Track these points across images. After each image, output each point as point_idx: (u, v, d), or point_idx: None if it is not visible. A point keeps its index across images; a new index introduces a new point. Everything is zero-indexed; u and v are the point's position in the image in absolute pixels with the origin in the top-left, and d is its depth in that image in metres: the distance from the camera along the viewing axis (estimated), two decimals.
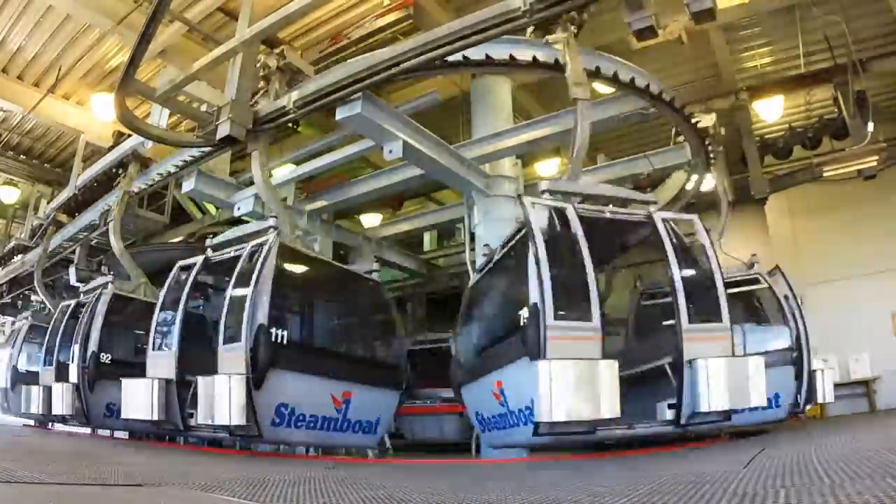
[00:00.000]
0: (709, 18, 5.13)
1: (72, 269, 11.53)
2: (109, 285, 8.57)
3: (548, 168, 12.40)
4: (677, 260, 5.27)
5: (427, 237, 14.38)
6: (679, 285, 5.14)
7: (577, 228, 5.08)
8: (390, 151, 6.94)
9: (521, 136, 8.13)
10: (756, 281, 7.93)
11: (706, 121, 8.21)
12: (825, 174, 10.79)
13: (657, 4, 5.08)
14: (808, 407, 7.46)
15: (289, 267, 6.38)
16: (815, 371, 7.37)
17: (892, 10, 8.67)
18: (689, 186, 9.43)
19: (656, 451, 5.75)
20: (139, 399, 6.18)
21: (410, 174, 8.56)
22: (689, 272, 5.39)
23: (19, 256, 13.43)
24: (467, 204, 9.06)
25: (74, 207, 11.59)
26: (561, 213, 5.21)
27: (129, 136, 9.53)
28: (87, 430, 8.98)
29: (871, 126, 9.75)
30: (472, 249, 8.81)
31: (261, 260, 5.84)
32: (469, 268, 8.63)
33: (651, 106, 7.31)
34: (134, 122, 7.07)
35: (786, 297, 7.67)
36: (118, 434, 8.81)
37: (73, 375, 7.88)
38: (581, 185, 5.77)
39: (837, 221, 12.44)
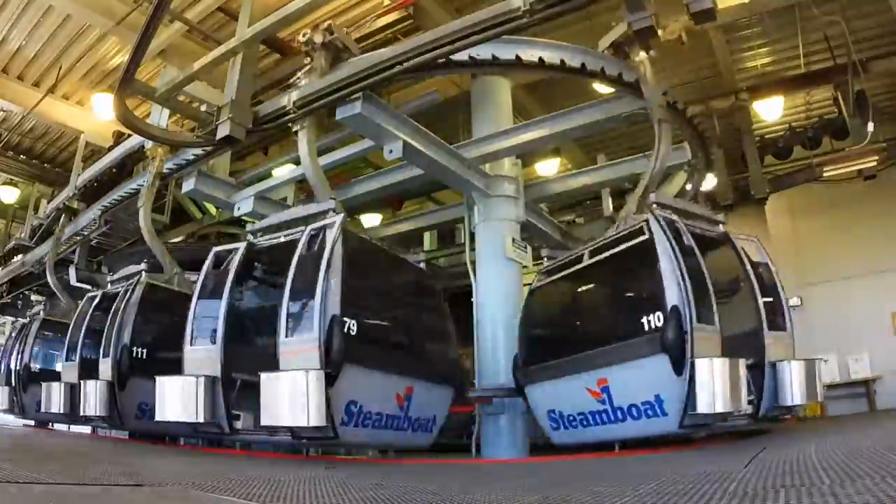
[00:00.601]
0: (709, 18, 5.13)
1: (72, 270, 11.55)
2: (41, 312, 11.41)
3: (548, 168, 12.40)
4: (297, 266, 5.47)
5: (427, 237, 14.35)
6: (286, 295, 5.36)
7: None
8: (390, 151, 6.93)
9: (521, 136, 8.12)
10: (640, 232, 5.68)
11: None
12: (825, 174, 10.80)
13: (657, 4, 5.08)
14: (690, 423, 5.04)
15: (153, 299, 7.97)
16: (776, 363, 5.50)
17: (892, 10, 8.64)
18: (690, 186, 9.44)
19: (656, 451, 5.75)
20: (54, 397, 8.22)
21: (410, 174, 8.55)
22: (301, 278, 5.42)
23: (19, 256, 13.43)
24: (467, 204, 9.05)
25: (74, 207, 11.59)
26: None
27: (129, 136, 9.53)
28: (87, 430, 9.01)
29: (871, 126, 9.75)
30: (473, 249, 8.80)
31: (129, 295, 7.76)
32: (469, 268, 8.63)
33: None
34: (134, 122, 7.08)
35: (670, 249, 5.21)
36: (117, 434, 8.82)
37: (13, 380, 10.63)
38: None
39: (837, 221, 12.44)
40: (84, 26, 10.00)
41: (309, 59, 6.66)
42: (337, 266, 5.37)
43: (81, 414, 7.55)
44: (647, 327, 5.30)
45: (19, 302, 14.65)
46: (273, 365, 5.22)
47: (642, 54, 6.08)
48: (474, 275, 8.32)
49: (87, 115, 11.80)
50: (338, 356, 5.07)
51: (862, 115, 9.90)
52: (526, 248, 8.71)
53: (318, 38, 6.52)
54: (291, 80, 6.87)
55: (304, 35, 6.60)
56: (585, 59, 6.70)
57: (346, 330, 5.24)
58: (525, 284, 8.57)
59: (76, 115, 12.04)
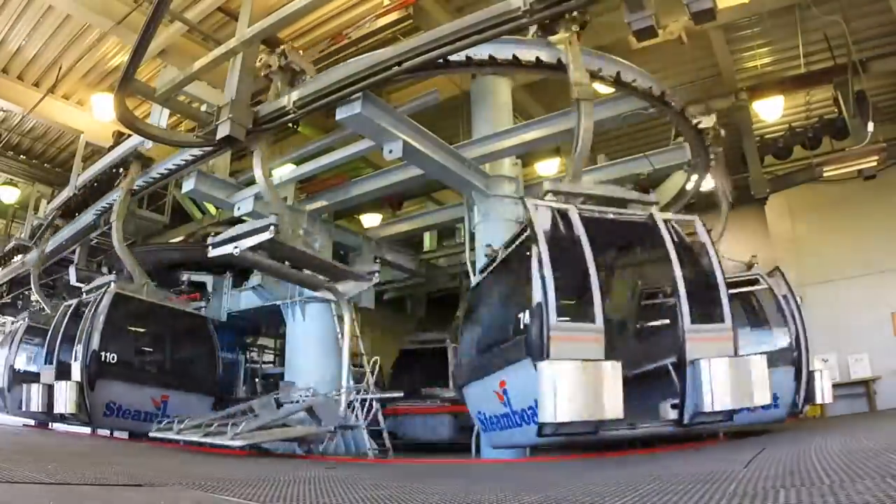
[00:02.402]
0: (709, 18, 5.12)
1: (72, 269, 11.54)
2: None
3: (548, 168, 12.40)
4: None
5: (427, 237, 14.36)
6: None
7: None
8: (390, 151, 6.93)
9: (521, 136, 8.12)
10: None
11: (706, 121, 8.17)
12: (825, 174, 10.78)
13: (657, 4, 5.07)
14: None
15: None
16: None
17: (892, 10, 8.66)
18: (689, 186, 9.43)
19: (657, 451, 5.75)
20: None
21: (410, 174, 8.55)
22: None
23: (19, 256, 13.43)
24: (467, 204, 9.06)
25: (74, 207, 11.60)
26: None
27: (129, 136, 9.53)
28: (87, 430, 9.01)
29: (871, 126, 9.75)
30: (472, 249, 8.80)
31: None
32: (469, 268, 8.63)
33: (651, 107, 7.30)
34: (134, 122, 7.07)
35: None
36: (118, 434, 8.85)
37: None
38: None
39: (837, 221, 12.44)
40: (84, 26, 10.00)
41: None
42: None
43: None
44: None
45: (19, 302, 14.64)
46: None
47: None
48: (474, 275, 8.32)
49: (87, 115, 11.80)
50: None
51: (862, 115, 9.89)
52: None
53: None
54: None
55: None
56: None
57: None
58: None
59: (76, 115, 12.03)
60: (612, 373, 4.55)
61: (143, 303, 8.99)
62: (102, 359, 8.04)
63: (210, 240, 7.55)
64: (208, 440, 6.45)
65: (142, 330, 9.40)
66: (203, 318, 10.05)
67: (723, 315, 5.18)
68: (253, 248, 6.90)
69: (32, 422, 9.94)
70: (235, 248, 6.95)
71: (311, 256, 7.60)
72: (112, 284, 8.73)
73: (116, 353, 8.29)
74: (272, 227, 6.69)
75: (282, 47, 7.19)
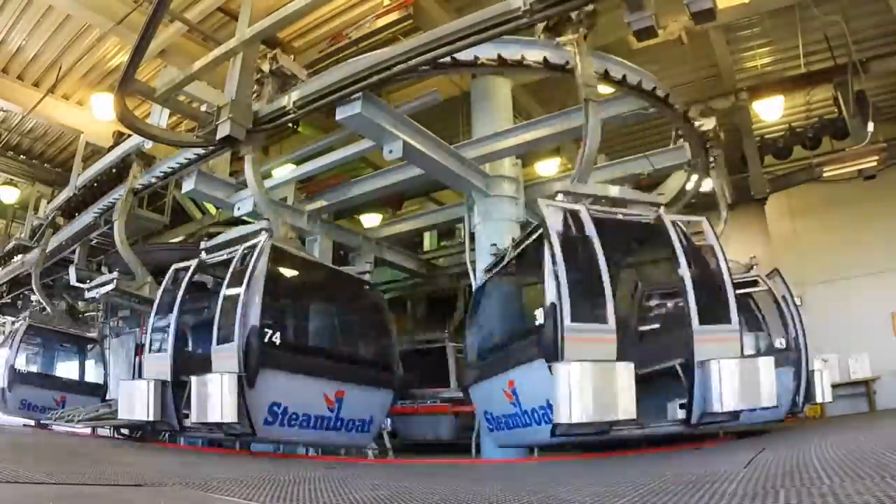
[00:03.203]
0: (709, 18, 5.11)
1: (72, 269, 11.55)
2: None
3: (548, 168, 12.39)
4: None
5: (427, 237, 14.36)
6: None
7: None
8: (390, 151, 6.93)
9: (521, 136, 8.12)
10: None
11: (707, 124, 8.23)
12: (825, 174, 10.78)
13: (657, 4, 5.07)
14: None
15: None
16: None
17: (892, 10, 8.66)
18: (689, 186, 9.43)
19: (657, 451, 5.75)
20: None
21: (410, 174, 8.55)
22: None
23: (19, 256, 13.44)
24: (467, 204, 9.05)
25: (74, 207, 11.60)
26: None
27: (129, 136, 9.53)
28: (87, 431, 9.07)
29: (871, 126, 9.75)
30: (472, 249, 8.79)
31: None
32: (469, 268, 8.63)
33: (652, 107, 7.30)
34: (134, 122, 7.07)
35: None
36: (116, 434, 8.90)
37: None
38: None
39: (838, 221, 12.43)
40: (84, 26, 10.00)
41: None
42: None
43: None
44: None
45: (19, 302, 14.64)
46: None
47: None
48: (474, 275, 8.32)
49: (87, 115, 11.80)
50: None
51: (862, 115, 9.89)
52: None
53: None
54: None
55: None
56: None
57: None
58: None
59: (76, 115, 12.03)
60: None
61: (50, 330, 11.92)
62: (17, 370, 10.84)
63: (87, 284, 9.64)
64: (68, 426, 9.01)
65: (48, 349, 12.58)
66: (95, 340, 12.70)
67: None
68: (112, 293, 9.06)
69: (32, 422, 10.09)
70: (97, 292, 9.34)
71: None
72: (27, 319, 11.65)
73: (27, 366, 11.73)
74: (114, 281, 8.95)
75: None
